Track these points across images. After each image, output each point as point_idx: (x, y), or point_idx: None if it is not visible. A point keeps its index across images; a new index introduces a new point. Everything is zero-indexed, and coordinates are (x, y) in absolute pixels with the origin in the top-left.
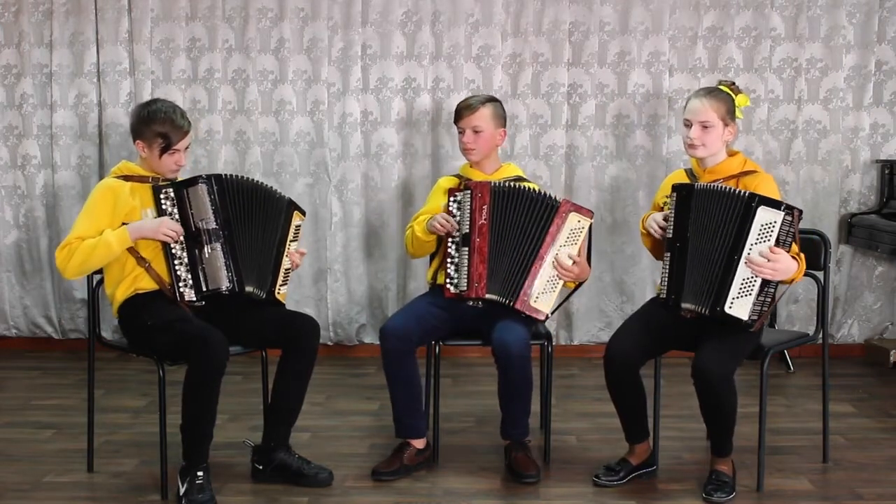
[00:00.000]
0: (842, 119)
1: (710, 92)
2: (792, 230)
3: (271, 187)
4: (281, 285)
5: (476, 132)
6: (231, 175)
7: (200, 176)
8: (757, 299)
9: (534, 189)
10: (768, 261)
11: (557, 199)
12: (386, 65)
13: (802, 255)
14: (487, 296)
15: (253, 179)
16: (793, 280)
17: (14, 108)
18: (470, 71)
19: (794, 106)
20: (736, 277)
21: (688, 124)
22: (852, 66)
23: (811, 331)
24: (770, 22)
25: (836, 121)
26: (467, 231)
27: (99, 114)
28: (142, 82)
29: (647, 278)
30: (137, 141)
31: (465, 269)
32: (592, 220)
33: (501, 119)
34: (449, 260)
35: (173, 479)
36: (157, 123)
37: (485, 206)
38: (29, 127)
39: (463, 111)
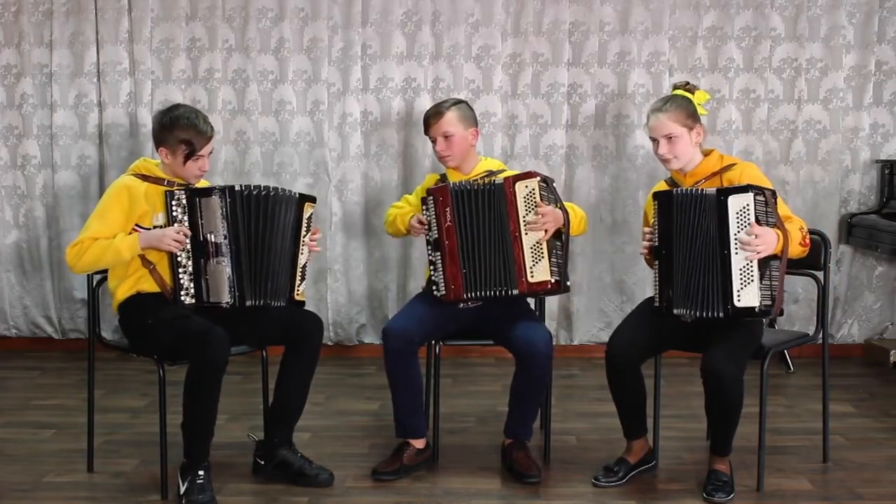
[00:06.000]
0: (842, 119)
1: (665, 103)
2: (769, 209)
3: (280, 189)
4: (299, 285)
5: (447, 138)
6: (245, 187)
7: (215, 188)
8: (762, 283)
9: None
10: (755, 237)
11: (499, 180)
12: (386, 65)
13: (795, 222)
14: (466, 295)
15: (266, 187)
16: (786, 250)
17: (14, 108)
18: (470, 71)
19: (794, 106)
20: (733, 270)
21: (654, 140)
22: (852, 66)
23: (811, 331)
24: (770, 22)
25: (836, 121)
26: (437, 236)
27: (99, 114)
28: (142, 82)
29: (647, 278)
30: (161, 148)
31: (441, 272)
32: (539, 177)
33: (470, 119)
34: (431, 266)
35: (173, 479)
36: (181, 130)
37: (447, 209)
38: (29, 127)
39: (430, 120)
